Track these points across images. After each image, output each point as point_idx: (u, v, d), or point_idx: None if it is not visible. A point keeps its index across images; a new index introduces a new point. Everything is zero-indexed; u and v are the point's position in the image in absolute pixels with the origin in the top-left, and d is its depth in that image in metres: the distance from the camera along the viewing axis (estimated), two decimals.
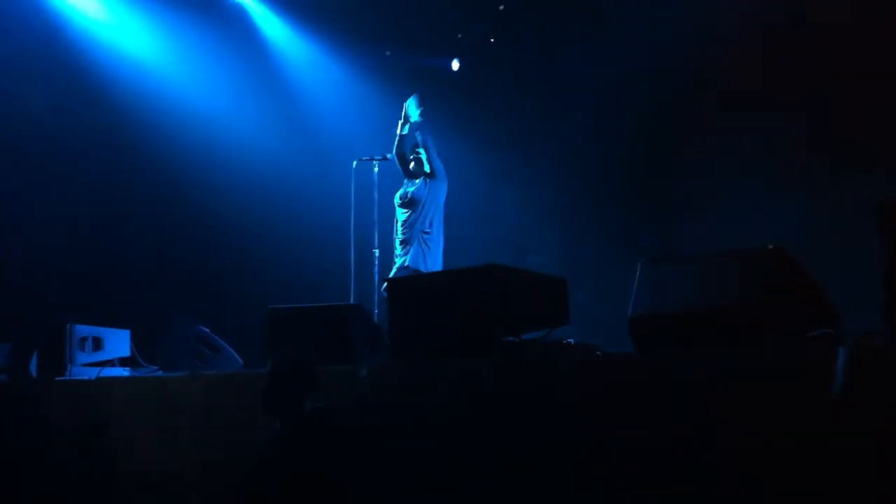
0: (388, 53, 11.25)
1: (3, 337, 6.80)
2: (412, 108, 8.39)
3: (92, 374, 6.30)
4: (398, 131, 8.48)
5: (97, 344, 6.55)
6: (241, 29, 11.12)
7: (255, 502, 4.42)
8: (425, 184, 8.29)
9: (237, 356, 6.34)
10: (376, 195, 8.64)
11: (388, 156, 8.61)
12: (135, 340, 6.86)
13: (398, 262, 8.25)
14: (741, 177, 8.87)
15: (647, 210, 9.60)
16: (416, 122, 8.32)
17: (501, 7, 10.75)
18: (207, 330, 6.36)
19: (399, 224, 8.32)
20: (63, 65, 10.06)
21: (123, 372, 6.65)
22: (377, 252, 8.53)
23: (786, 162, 8.64)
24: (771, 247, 4.30)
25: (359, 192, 8.71)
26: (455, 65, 11.12)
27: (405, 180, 8.49)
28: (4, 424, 6.00)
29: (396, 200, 8.40)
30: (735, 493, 3.79)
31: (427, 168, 8.30)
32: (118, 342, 6.74)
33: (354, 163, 8.75)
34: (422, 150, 8.34)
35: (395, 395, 4.86)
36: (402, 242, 8.26)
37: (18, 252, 9.49)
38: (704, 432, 3.88)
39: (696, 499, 3.88)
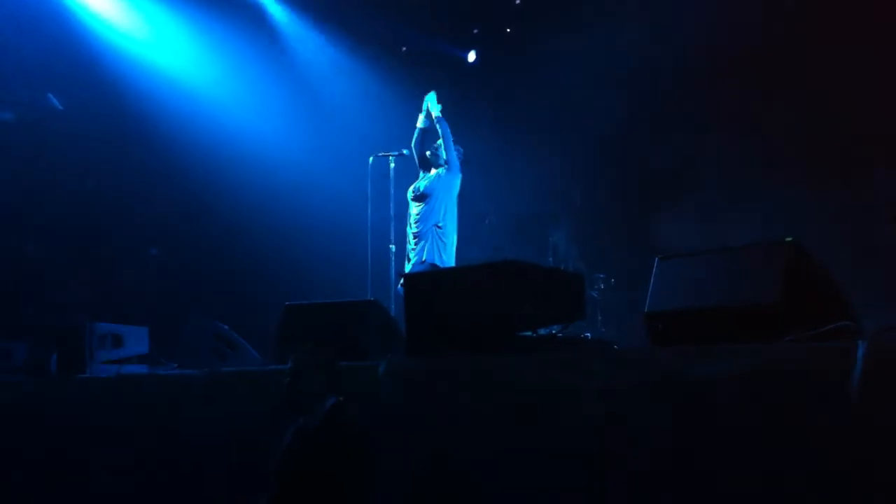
0: (404, 49, 11.26)
1: (24, 336, 6.85)
2: (433, 102, 8.41)
3: (111, 371, 6.35)
4: (417, 124, 8.49)
5: (116, 341, 6.58)
6: (257, 25, 11.14)
7: (279, 498, 4.44)
8: (438, 177, 8.30)
9: (255, 353, 6.36)
10: (392, 191, 8.66)
11: (405, 151, 8.62)
12: (153, 338, 6.90)
13: (413, 256, 8.25)
14: (748, 174, 8.87)
15: (653, 205, 9.59)
16: (437, 116, 8.34)
17: (518, 1, 10.74)
18: (226, 327, 6.38)
19: (412, 218, 8.33)
20: (77, 64, 10.12)
21: (143, 369, 6.68)
22: (393, 248, 8.54)
23: (790, 158, 8.63)
24: (787, 240, 4.29)
25: (375, 187, 8.72)
26: (472, 56, 11.13)
27: (420, 174, 8.51)
28: (25, 422, 6.05)
29: (409, 194, 8.42)
30: (754, 487, 3.78)
31: (442, 161, 8.31)
32: (137, 340, 6.77)
33: (371, 159, 8.76)
34: (440, 143, 8.35)
35: (413, 391, 4.87)
36: (415, 236, 8.27)
37: (38, 252, 9.57)
38: (722, 426, 3.87)
39: (712, 493, 3.88)
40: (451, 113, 8.63)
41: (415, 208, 8.33)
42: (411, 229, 8.31)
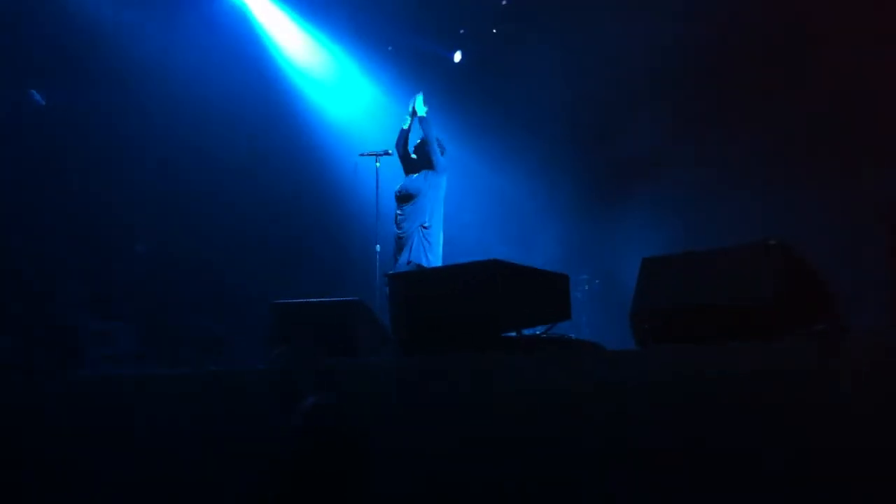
0: (390, 48, 11.25)
1: (16, 333, 6.81)
2: (419, 104, 8.38)
3: (102, 369, 6.33)
4: (402, 126, 8.46)
5: (107, 339, 6.57)
6: (242, 23, 11.11)
7: (266, 500, 4.41)
8: (424, 177, 8.27)
9: (243, 351, 6.36)
10: (378, 191, 8.64)
11: (390, 151, 8.60)
12: (144, 336, 6.88)
13: (399, 257, 8.23)
14: (743, 174, 8.90)
15: (647, 202, 9.60)
16: (421, 117, 8.31)
17: (504, 1, 10.75)
18: (214, 325, 6.38)
19: (397, 218, 8.29)
20: (69, 60, 10.06)
21: (133, 367, 6.67)
22: (378, 247, 8.53)
23: (787, 158, 8.66)
24: (773, 241, 4.30)
25: (360, 187, 8.71)
26: (457, 57, 11.12)
27: (404, 175, 8.48)
28: (16, 421, 6.01)
29: (395, 195, 8.38)
30: (739, 489, 3.79)
31: (428, 162, 8.28)
32: (127, 337, 6.76)
33: (356, 158, 8.75)
34: (425, 145, 8.32)
35: (405, 391, 4.86)
36: (400, 237, 8.24)
37: (29, 249, 9.51)
38: (717, 427, 3.88)
39: (698, 494, 3.88)
40: (437, 113, 8.61)
41: (400, 208, 8.29)
42: (397, 230, 8.28)
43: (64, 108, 9.99)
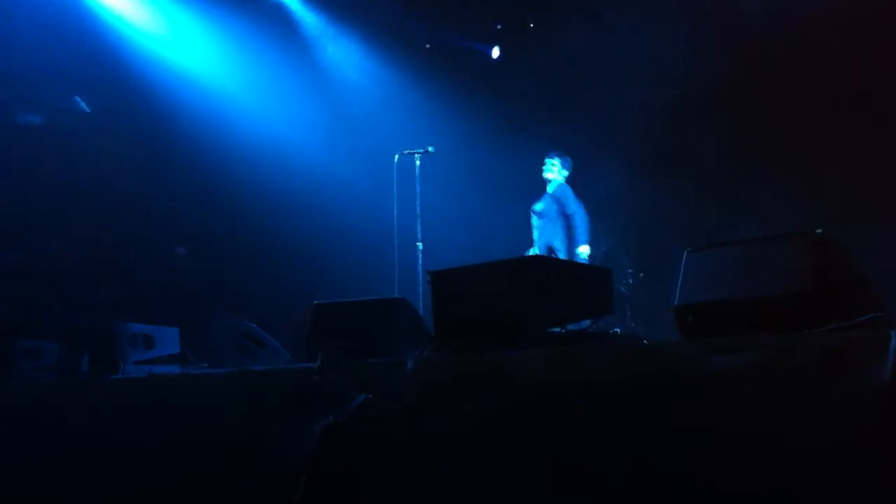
0: (427, 46, 11.26)
1: (56, 337, 6.91)
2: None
3: (143, 371, 6.39)
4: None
5: (148, 342, 6.63)
6: (281, 25, 11.18)
7: (304, 498, 4.44)
8: (551, 197, 9.15)
9: (284, 351, 6.38)
10: (418, 188, 8.65)
11: (430, 148, 8.63)
12: (183, 337, 6.94)
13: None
14: (769, 168, 8.85)
15: (685, 198, 9.53)
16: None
17: None
18: (254, 325, 6.40)
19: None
20: (103, 64, 10.19)
21: (174, 369, 6.72)
22: (420, 245, 8.55)
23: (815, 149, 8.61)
24: (817, 231, 4.24)
25: (401, 185, 8.73)
26: (496, 52, 11.11)
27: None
28: (58, 423, 6.09)
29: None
30: (777, 479, 3.74)
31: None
32: (168, 339, 6.82)
33: (396, 156, 8.76)
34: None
35: (441, 389, 4.86)
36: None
37: (69, 253, 9.65)
38: (753, 419, 3.84)
39: (740, 485, 3.84)
40: (474, 109, 8.59)
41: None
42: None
43: (105, 113, 10.12)
